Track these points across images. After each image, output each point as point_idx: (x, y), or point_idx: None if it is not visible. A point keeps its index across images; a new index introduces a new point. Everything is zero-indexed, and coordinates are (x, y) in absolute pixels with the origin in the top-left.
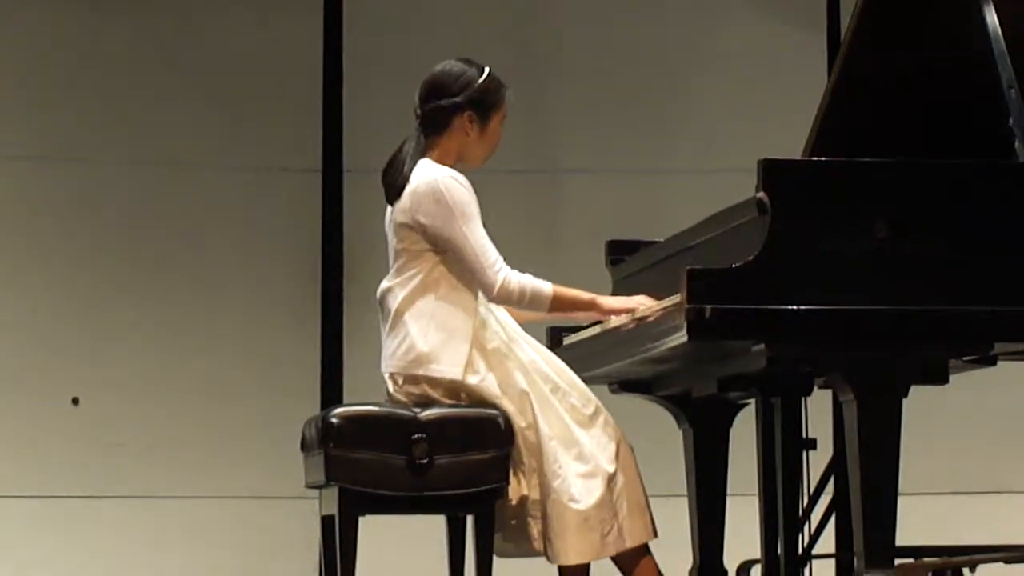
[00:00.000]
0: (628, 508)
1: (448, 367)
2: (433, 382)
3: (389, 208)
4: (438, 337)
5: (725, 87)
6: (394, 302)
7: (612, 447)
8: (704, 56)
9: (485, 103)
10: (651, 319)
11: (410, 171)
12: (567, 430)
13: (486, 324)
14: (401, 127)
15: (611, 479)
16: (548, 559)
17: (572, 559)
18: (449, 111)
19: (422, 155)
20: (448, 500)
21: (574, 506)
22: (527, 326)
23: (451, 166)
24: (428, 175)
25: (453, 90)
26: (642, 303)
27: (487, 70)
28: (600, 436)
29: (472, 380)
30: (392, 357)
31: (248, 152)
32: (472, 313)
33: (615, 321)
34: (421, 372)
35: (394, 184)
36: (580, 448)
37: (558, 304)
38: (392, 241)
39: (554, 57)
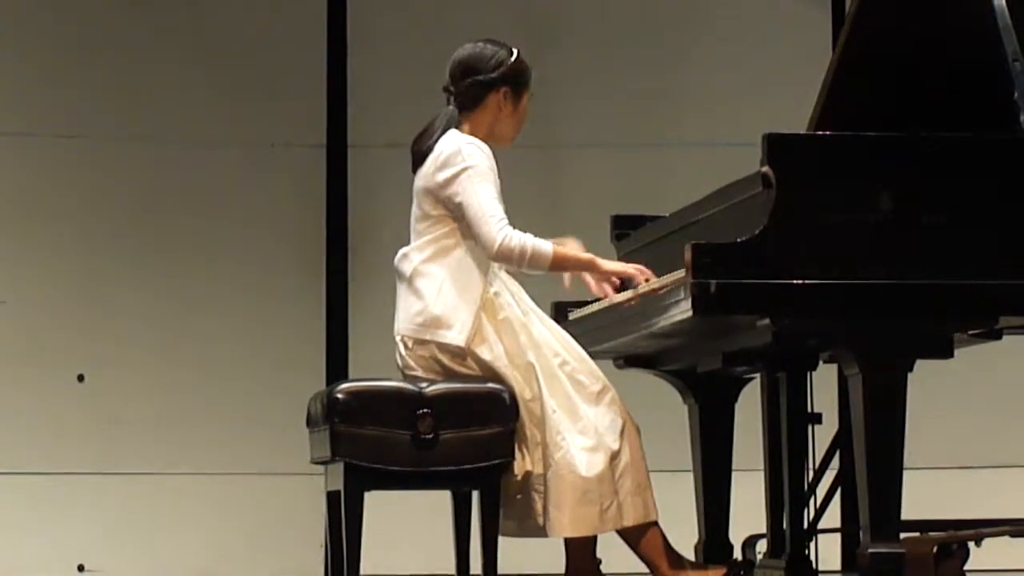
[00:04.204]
0: (630, 487)
1: (456, 334)
2: (442, 347)
3: (415, 178)
4: (449, 303)
5: (730, 61)
6: (409, 266)
7: (618, 426)
8: (709, 29)
9: (518, 80)
10: (657, 293)
11: (437, 140)
12: (572, 405)
13: (499, 295)
14: (406, 102)
15: (615, 456)
16: (546, 532)
17: (568, 531)
18: (486, 86)
19: (454, 127)
20: (454, 475)
21: (575, 478)
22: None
23: (481, 140)
24: (452, 142)
25: (489, 67)
26: (640, 271)
27: (516, 51)
28: (606, 414)
29: (480, 348)
30: (404, 320)
31: (253, 128)
32: (484, 281)
33: (620, 296)
34: (430, 337)
35: (420, 150)
36: (584, 422)
37: (558, 263)
38: (414, 209)
39: (557, 31)
